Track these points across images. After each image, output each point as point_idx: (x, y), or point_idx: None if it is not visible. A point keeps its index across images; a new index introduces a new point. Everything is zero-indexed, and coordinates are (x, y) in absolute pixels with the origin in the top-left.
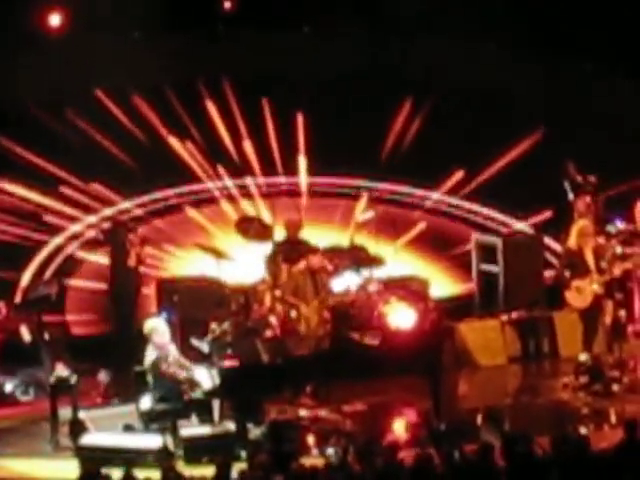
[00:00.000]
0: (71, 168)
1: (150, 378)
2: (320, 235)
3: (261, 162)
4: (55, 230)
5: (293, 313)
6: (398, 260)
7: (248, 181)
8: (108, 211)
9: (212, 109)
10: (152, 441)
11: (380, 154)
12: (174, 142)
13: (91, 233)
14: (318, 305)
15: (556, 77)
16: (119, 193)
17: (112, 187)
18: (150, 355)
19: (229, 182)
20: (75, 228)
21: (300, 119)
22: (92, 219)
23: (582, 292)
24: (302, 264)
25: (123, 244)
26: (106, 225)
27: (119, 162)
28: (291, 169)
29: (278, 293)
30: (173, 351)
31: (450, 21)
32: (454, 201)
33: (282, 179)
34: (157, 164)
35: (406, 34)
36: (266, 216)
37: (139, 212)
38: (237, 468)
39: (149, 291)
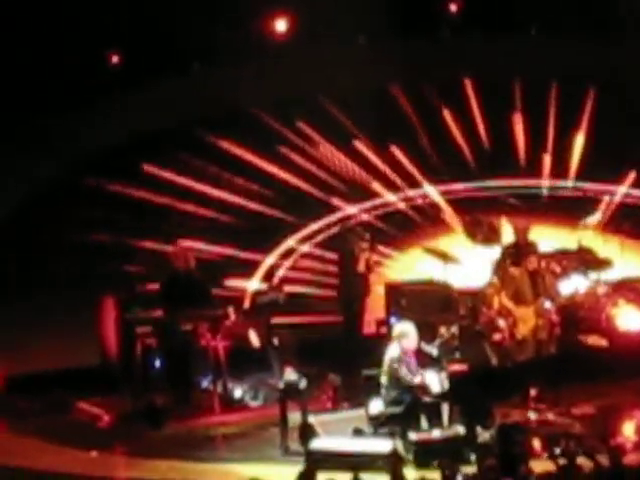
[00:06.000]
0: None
1: (385, 379)
2: (550, 238)
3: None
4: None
5: (501, 322)
6: (626, 262)
7: (493, 183)
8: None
9: (445, 112)
10: (382, 445)
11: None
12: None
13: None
14: (537, 309)
15: None
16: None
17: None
18: (390, 356)
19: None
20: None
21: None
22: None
23: None
24: (522, 267)
25: (352, 250)
26: (335, 231)
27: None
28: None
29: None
30: (412, 359)
31: None
32: None
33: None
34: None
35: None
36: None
37: (368, 217)
38: (466, 471)
39: (378, 295)
